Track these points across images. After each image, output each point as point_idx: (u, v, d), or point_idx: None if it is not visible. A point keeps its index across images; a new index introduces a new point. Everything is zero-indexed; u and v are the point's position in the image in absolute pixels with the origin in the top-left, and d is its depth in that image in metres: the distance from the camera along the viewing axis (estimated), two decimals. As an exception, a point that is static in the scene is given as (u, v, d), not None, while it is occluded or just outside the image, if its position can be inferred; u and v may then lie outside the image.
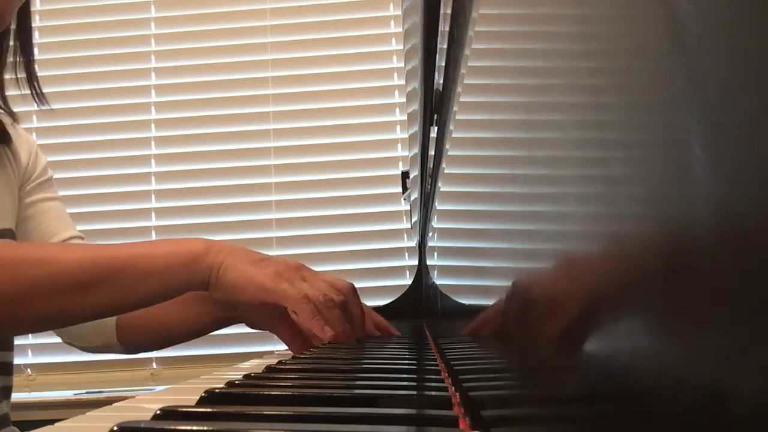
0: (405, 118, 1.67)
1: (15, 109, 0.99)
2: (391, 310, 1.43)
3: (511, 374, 0.30)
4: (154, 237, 1.68)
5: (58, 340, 1.00)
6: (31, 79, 1.00)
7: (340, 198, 1.68)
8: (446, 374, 0.53)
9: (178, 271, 0.75)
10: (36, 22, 1.78)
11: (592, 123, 0.17)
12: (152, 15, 1.79)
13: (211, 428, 0.31)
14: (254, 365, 0.69)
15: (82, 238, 1.03)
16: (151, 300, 0.76)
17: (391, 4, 1.76)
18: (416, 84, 0.79)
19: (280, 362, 0.62)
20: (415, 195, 1.27)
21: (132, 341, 0.99)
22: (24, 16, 0.96)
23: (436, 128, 0.80)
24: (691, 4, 0.10)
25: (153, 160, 1.73)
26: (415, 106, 0.87)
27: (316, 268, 1.80)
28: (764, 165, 0.08)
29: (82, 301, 0.72)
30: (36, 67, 1.00)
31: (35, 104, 1.03)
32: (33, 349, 1.63)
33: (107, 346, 0.98)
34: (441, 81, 0.71)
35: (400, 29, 1.70)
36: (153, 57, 1.78)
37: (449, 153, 0.68)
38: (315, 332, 0.76)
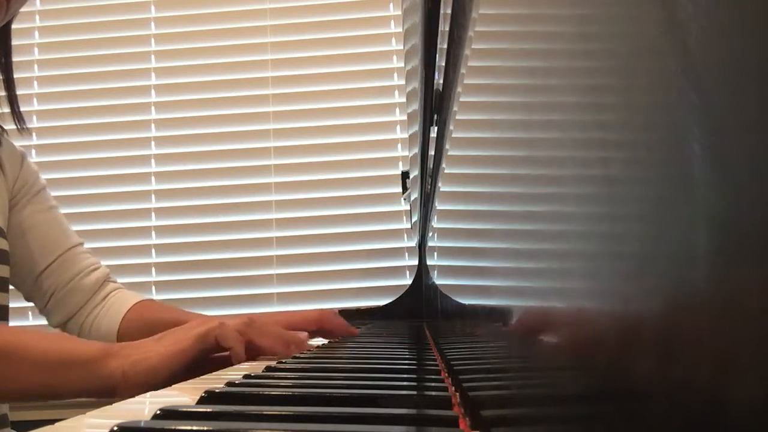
0: (405, 118, 1.67)
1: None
2: (391, 310, 1.44)
3: (511, 374, 0.30)
4: (154, 237, 1.69)
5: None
6: (12, 100, 0.99)
7: (340, 198, 1.68)
8: (446, 374, 0.53)
9: (74, 368, 0.67)
10: (36, 22, 1.78)
11: (592, 123, 0.17)
12: (152, 15, 1.79)
13: (211, 428, 0.31)
14: (254, 365, 0.68)
15: (82, 244, 1.04)
16: (34, 395, 0.69)
17: (391, 4, 1.76)
18: (416, 84, 0.79)
19: (279, 362, 0.62)
20: (415, 195, 1.27)
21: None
22: (5, 35, 0.96)
23: (436, 128, 0.80)
24: (691, 4, 0.10)
25: (153, 160, 1.73)
26: (415, 106, 0.87)
27: (317, 268, 1.79)
28: (764, 165, 0.08)
29: None
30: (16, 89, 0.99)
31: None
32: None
33: None
34: (441, 81, 0.71)
35: (400, 29, 1.70)
36: (153, 57, 1.78)
37: (449, 153, 0.68)
38: (264, 344, 0.73)
